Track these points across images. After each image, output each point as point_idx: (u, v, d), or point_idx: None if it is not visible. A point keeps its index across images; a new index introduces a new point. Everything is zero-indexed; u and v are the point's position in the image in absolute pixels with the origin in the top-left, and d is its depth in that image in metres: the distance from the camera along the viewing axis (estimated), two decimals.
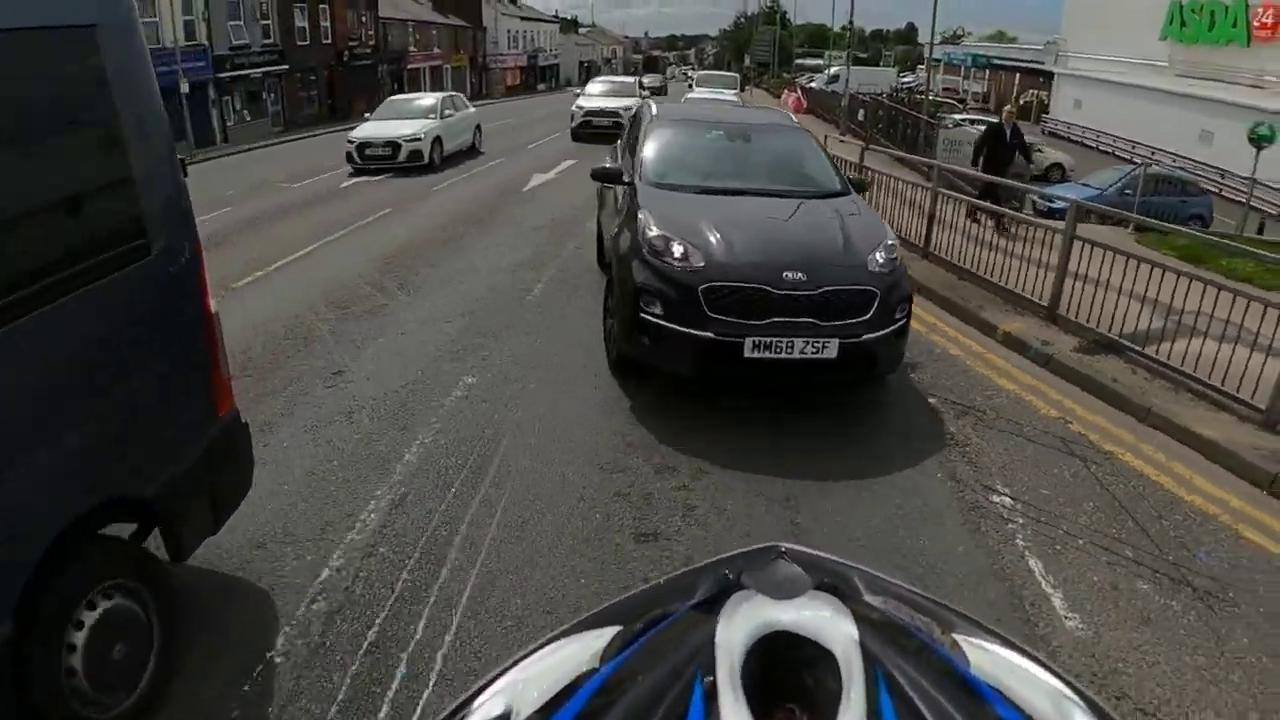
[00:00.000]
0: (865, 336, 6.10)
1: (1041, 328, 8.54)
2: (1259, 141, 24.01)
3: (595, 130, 26.36)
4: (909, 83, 64.78)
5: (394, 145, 20.38)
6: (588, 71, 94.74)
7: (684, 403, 6.60)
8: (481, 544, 4.73)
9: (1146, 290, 7.60)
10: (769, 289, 5.95)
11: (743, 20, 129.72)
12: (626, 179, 7.73)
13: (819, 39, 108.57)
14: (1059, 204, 16.01)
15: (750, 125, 8.82)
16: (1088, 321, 8.22)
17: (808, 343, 5.94)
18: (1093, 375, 7.41)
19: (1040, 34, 68.43)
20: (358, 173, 20.34)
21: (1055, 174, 31.66)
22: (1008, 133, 14.43)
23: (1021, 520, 5.22)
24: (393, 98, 24.65)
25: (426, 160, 20.54)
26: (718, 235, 6.30)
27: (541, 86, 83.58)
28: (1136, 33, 44.05)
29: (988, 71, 71.31)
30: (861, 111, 34.23)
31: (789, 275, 5.98)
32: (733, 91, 32.65)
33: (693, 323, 6.00)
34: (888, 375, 6.82)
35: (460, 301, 9.41)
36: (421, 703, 3.58)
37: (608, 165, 8.53)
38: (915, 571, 4.61)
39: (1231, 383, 6.80)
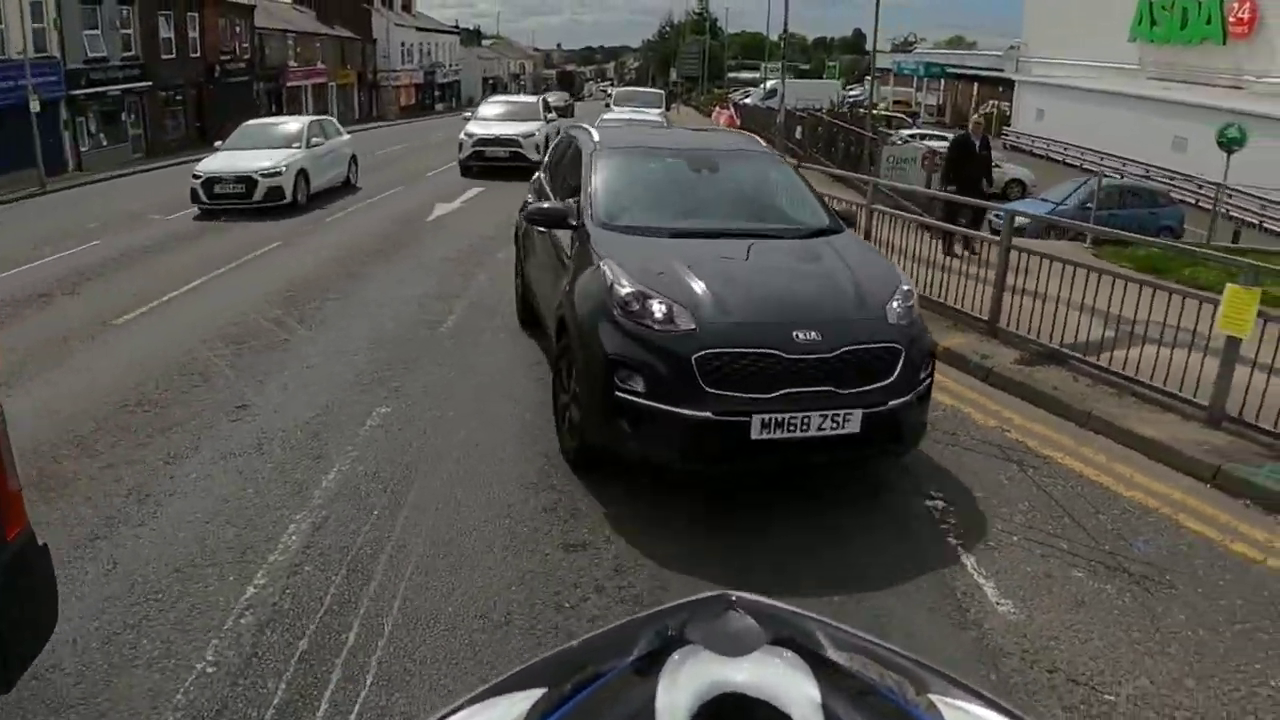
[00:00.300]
0: (891, 404, 5.85)
1: (981, 342, 9.45)
2: (1229, 145, 25.38)
3: (489, 163, 24.90)
4: (856, 95, 66.65)
5: (248, 181, 19.22)
6: (493, 89, 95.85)
7: None
8: (408, 560, 5.31)
9: (1084, 299, 8.58)
10: (779, 353, 5.62)
11: (668, 30, 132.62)
12: (573, 221, 7.32)
13: (754, 49, 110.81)
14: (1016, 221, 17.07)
15: (714, 151, 8.56)
16: (1029, 333, 9.14)
17: (826, 416, 5.65)
18: (1032, 384, 8.30)
19: (1005, 38, 70.31)
20: (205, 214, 19.24)
21: (1014, 191, 33.27)
22: (977, 144, 14.89)
23: (954, 521, 6.00)
24: (249, 123, 23.17)
25: (289, 198, 19.54)
26: (704, 288, 5.95)
27: (440, 106, 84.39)
28: (1103, 34, 45.90)
29: (942, 82, 73.89)
30: (799, 129, 35.68)
31: (800, 335, 5.68)
32: (657, 110, 32.23)
33: (685, 400, 5.60)
34: (911, 450, 6.60)
35: (367, 334, 9.99)
36: (359, 702, 4.14)
37: (544, 205, 8.03)
38: (839, 575, 5.32)
39: (1175, 383, 7.74)
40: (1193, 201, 29.42)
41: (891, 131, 40.09)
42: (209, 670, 4.35)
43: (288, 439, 7.11)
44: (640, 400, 5.71)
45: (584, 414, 6.22)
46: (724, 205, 7.72)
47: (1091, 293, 8.52)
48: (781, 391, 5.60)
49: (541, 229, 8.11)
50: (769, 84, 62.30)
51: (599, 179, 7.60)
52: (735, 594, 1.19)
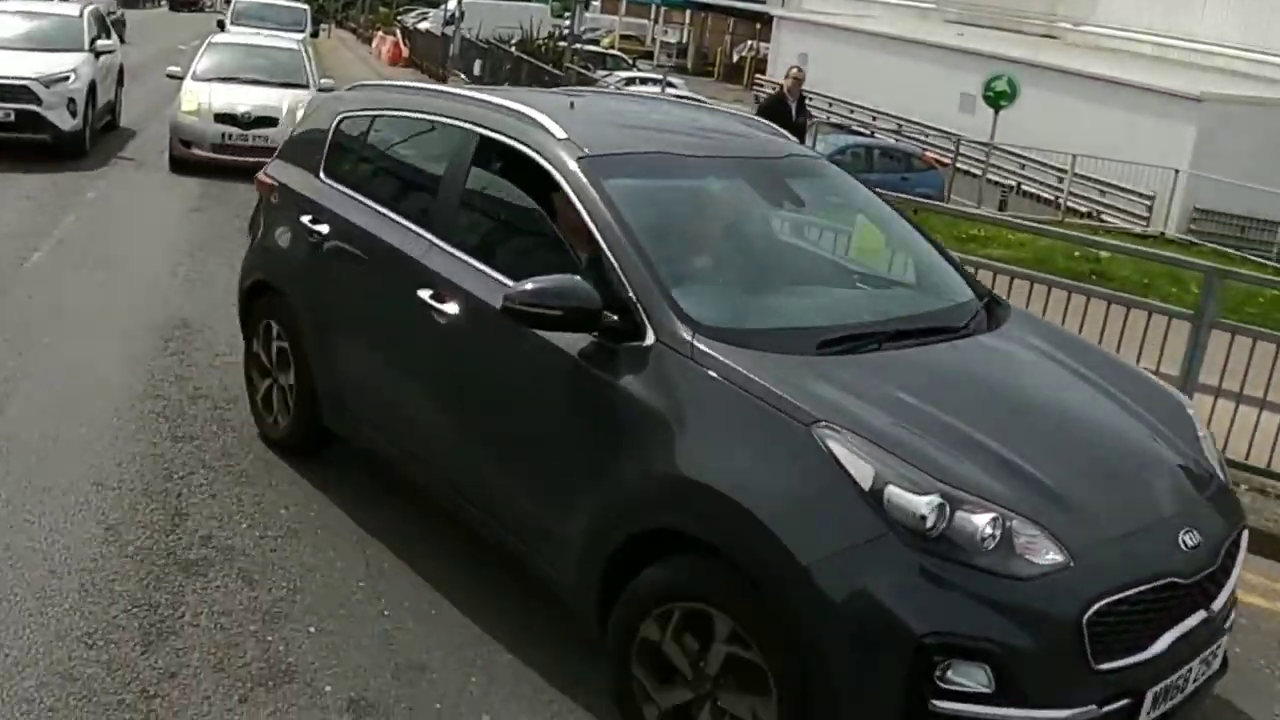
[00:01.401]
0: (1234, 614, 4.85)
1: None
2: (995, 101, 28.41)
3: None
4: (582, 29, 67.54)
5: None
6: None
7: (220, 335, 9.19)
8: (18, 449, 7.10)
9: None
10: (1178, 579, 4.27)
11: None
12: (613, 319, 4.70)
13: None
14: None
15: (764, 160, 6.42)
16: None
17: (1204, 660, 4.49)
18: None
19: None
20: None
21: None
22: (793, 107, 15.15)
23: None
24: None
25: None
26: (1020, 468, 4.32)
27: None
28: None
29: (688, 13, 75.04)
30: (480, 64, 37.34)
31: (1186, 540, 4.36)
32: (297, 35, 27.29)
33: (1063, 693, 4.02)
34: None
35: None
36: None
37: (530, 286, 4.74)
38: None
39: None
40: (978, 172, 30.90)
41: (599, 74, 41.36)
42: None
43: None
44: (981, 709, 3.93)
45: None
46: (834, 270, 6.25)
47: None
48: (1171, 639, 4.25)
49: (534, 337, 4.97)
50: (450, 5, 57.12)
51: (638, 229, 4.97)
52: None
